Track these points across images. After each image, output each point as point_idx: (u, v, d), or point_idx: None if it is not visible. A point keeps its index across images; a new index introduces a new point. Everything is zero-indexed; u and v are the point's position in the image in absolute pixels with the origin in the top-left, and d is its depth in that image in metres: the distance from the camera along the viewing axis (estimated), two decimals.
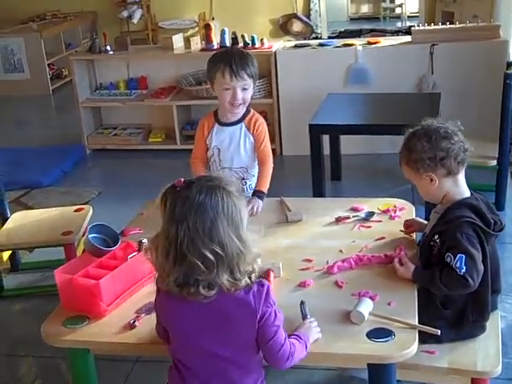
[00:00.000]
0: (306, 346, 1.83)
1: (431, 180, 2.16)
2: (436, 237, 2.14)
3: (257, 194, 2.83)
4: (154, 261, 1.75)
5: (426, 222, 2.42)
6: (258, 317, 1.72)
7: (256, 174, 2.98)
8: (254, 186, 2.96)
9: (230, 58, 2.80)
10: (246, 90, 2.83)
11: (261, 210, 2.76)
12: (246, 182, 2.97)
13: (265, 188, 2.87)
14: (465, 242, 2.05)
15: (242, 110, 2.91)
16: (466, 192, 2.20)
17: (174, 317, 1.78)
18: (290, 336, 1.82)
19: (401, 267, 2.16)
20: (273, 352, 1.76)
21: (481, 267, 2.07)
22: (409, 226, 2.45)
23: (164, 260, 1.70)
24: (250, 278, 1.72)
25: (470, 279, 2.03)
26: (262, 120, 2.95)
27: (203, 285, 1.67)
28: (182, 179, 1.73)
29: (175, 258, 1.67)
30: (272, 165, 2.94)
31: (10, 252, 3.73)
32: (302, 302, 2.00)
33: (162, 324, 1.85)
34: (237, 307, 1.72)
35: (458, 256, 2.03)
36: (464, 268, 2.03)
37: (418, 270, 2.14)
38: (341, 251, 2.36)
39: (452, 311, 2.18)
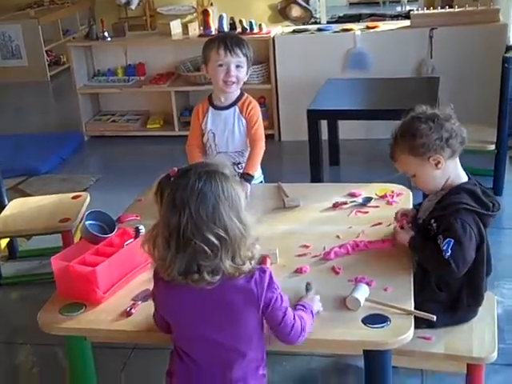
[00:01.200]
0: (313, 315, 1.85)
1: (437, 163, 2.13)
2: (432, 221, 2.14)
3: (244, 176, 2.82)
4: (152, 252, 1.74)
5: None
6: (262, 305, 1.72)
7: None
8: None
9: (225, 36, 2.92)
10: (240, 67, 2.84)
11: (249, 193, 2.71)
12: (241, 166, 2.96)
13: (253, 171, 2.86)
14: (458, 228, 2.04)
15: (234, 91, 2.91)
16: (463, 176, 2.20)
17: (174, 306, 1.78)
18: (295, 307, 1.84)
19: (401, 230, 2.20)
20: (285, 333, 1.78)
21: (470, 256, 2.06)
22: (403, 215, 2.39)
23: (165, 250, 1.69)
24: (250, 263, 1.72)
25: (453, 264, 2.02)
26: (255, 103, 2.95)
27: (207, 271, 1.67)
28: (176, 168, 1.73)
29: (177, 246, 1.66)
30: (263, 148, 2.93)
31: (7, 239, 3.73)
32: (309, 284, 2.01)
33: (160, 313, 1.85)
34: (238, 295, 1.72)
35: (447, 240, 2.03)
36: (449, 252, 2.02)
37: (417, 237, 2.16)
38: (338, 237, 2.35)
39: (447, 294, 2.18)
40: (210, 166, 1.73)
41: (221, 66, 2.82)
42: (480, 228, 2.10)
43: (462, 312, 2.20)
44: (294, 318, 1.78)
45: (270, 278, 1.74)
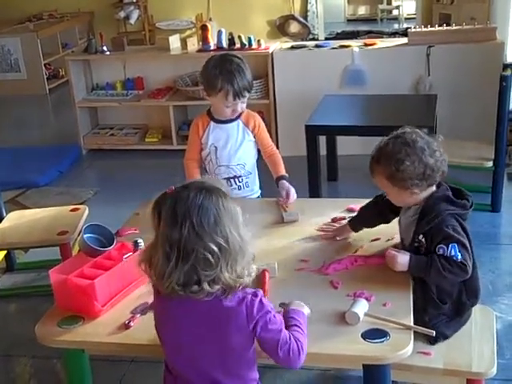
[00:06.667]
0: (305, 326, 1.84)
1: (412, 194, 2.15)
2: (421, 236, 2.15)
3: (282, 179, 2.94)
4: (149, 271, 1.74)
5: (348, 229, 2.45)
6: (251, 327, 1.72)
7: (253, 172, 3.04)
8: (250, 183, 3.02)
9: (232, 78, 2.77)
10: (243, 102, 2.88)
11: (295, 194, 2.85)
12: (242, 179, 2.99)
13: (284, 172, 2.99)
14: (453, 233, 2.08)
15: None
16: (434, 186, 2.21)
17: (164, 319, 1.80)
18: (287, 324, 1.80)
19: (397, 254, 2.13)
20: (283, 356, 1.74)
21: (471, 253, 2.11)
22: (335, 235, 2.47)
23: (165, 263, 1.68)
24: (248, 278, 1.72)
25: (467, 265, 2.07)
26: (257, 116, 3.01)
27: (207, 281, 1.67)
28: (173, 186, 1.74)
29: (178, 257, 1.66)
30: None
31: (5, 252, 3.73)
32: (283, 303, 1.96)
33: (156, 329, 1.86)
34: (225, 315, 1.72)
35: (451, 245, 2.06)
36: (459, 255, 2.06)
37: (413, 256, 2.13)
38: (336, 252, 2.36)
39: (450, 303, 2.20)
40: (208, 182, 1.75)
41: (228, 107, 2.85)
42: (464, 226, 2.14)
43: (466, 313, 2.26)
44: (289, 339, 1.75)
45: (261, 301, 1.73)
